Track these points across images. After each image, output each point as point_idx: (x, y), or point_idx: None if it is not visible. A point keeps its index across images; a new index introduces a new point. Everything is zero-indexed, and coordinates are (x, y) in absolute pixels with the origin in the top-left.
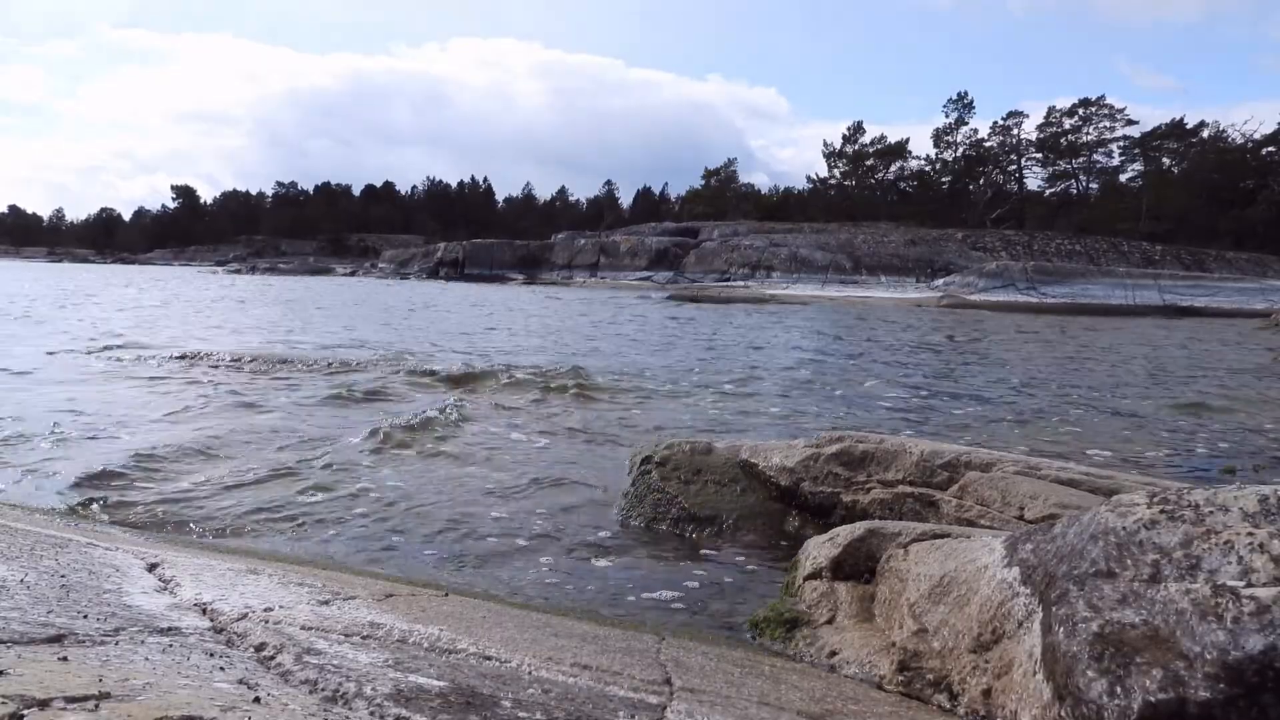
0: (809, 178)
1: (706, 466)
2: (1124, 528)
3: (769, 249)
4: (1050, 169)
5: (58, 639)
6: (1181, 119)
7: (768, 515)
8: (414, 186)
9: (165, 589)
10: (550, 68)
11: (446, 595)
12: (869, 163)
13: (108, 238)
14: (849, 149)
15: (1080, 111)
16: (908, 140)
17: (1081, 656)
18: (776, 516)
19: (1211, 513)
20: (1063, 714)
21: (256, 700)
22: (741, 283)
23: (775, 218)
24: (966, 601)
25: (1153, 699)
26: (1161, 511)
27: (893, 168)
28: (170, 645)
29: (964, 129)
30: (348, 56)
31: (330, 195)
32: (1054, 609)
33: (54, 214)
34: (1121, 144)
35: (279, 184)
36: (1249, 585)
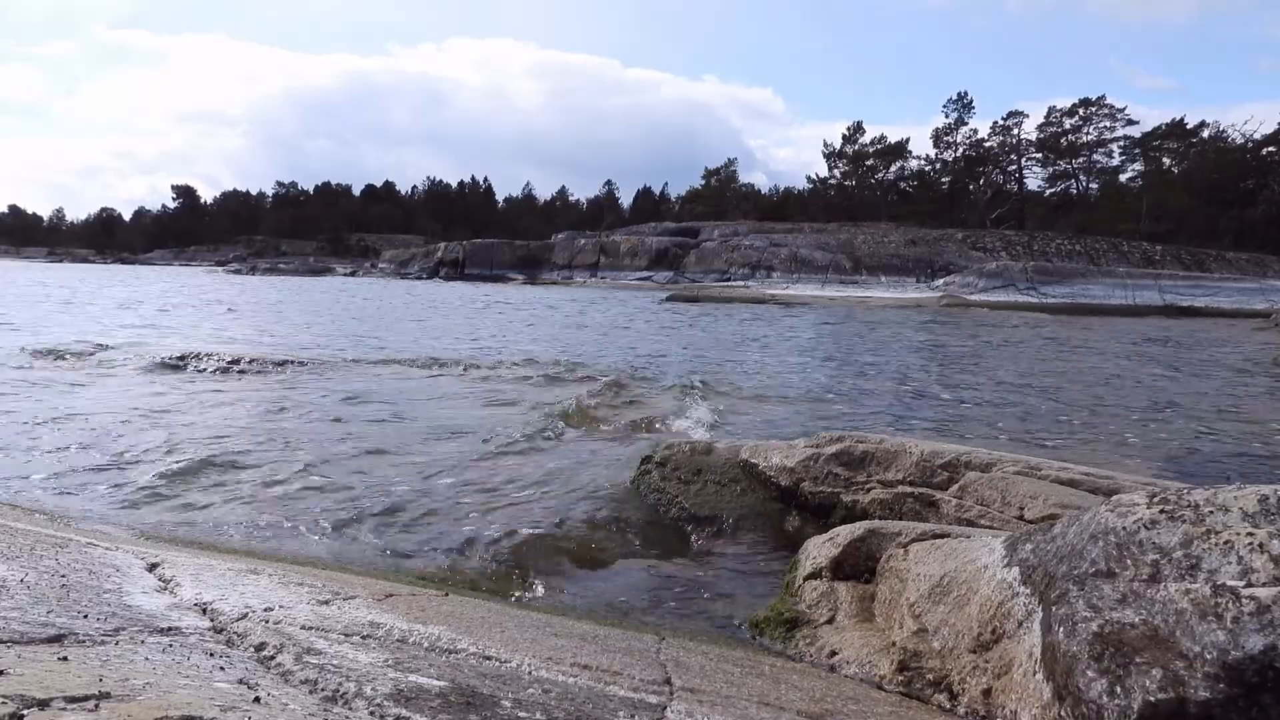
0: (809, 178)
1: (707, 466)
2: (1124, 528)
3: (769, 249)
4: (1050, 169)
5: (58, 639)
6: (1181, 119)
7: (768, 515)
8: (414, 186)
9: (165, 589)
10: (547, 68)
11: (446, 595)
12: (869, 163)
13: (108, 238)
14: (849, 149)
15: (1080, 111)
16: (908, 140)
17: (1081, 656)
18: (776, 516)
19: (1211, 513)
20: (1063, 714)
21: (256, 700)
22: (741, 283)
23: (775, 218)
24: (966, 601)
25: (1153, 699)
26: (1161, 511)
27: (893, 168)
28: (170, 645)
29: (964, 129)
30: (345, 57)
31: (330, 195)
32: (1054, 609)
33: (54, 214)
34: (1121, 144)
35: (279, 184)
36: (1249, 585)
